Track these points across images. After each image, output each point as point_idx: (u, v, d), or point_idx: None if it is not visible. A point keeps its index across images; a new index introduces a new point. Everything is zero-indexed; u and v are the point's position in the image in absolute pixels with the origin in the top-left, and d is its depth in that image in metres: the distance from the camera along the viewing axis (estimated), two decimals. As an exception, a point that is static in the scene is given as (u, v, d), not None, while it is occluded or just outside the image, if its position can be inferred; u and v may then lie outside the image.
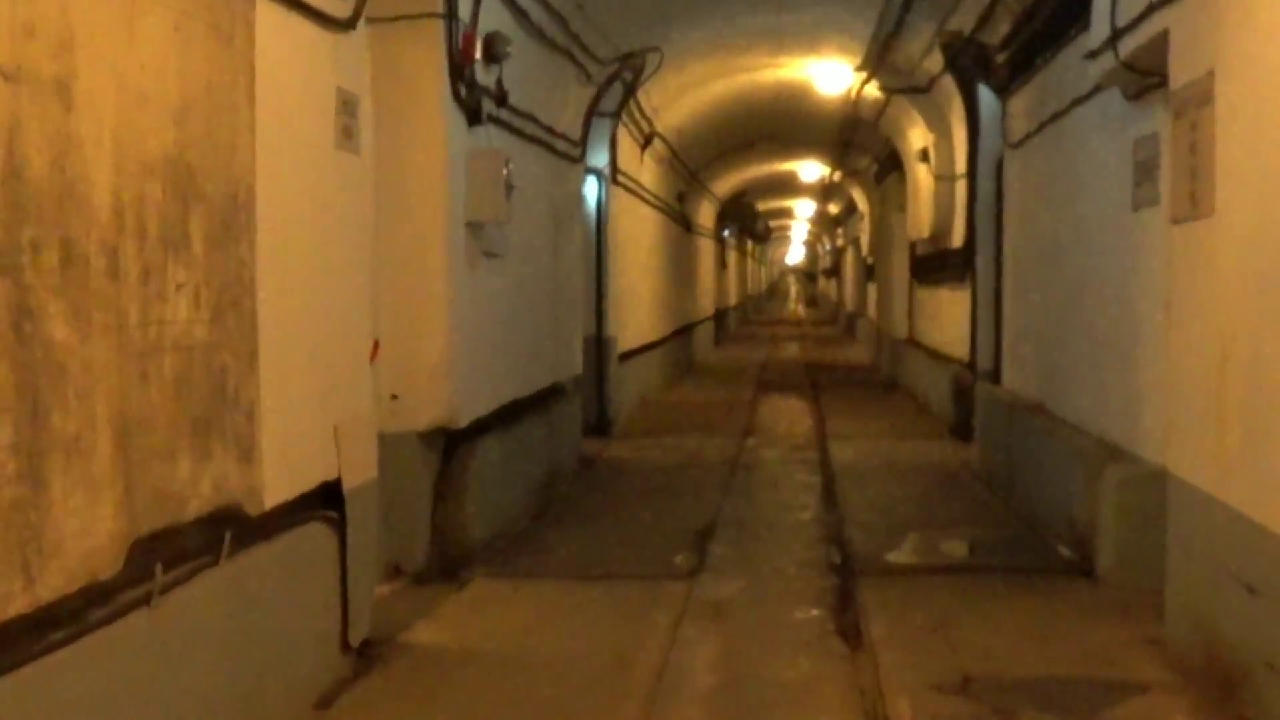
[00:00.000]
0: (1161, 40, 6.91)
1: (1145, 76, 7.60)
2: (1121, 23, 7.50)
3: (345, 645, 6.53)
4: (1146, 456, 8.04)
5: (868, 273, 34.64)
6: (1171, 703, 5.98)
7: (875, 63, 16.27)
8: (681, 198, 26.17)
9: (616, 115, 15.82)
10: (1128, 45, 7.44)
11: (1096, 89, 8.76)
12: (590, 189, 15.98)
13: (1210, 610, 6.17)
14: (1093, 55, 8.20)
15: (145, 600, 4.47)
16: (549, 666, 6.73)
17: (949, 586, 8.45)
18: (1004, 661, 6.69)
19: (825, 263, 63.91)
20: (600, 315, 16.56)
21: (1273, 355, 5.45)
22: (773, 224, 58.25)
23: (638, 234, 20.07)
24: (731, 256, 47.23)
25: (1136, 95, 7.99)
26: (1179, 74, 6.68)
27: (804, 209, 49.47)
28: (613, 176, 16.89)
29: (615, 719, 5.92)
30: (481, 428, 9.41)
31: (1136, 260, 8.28)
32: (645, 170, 19.99)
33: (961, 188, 16.23)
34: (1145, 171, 7.96)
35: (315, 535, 6.16)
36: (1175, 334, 6.85)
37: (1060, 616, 7.55)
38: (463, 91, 8.63)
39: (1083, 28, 8.70)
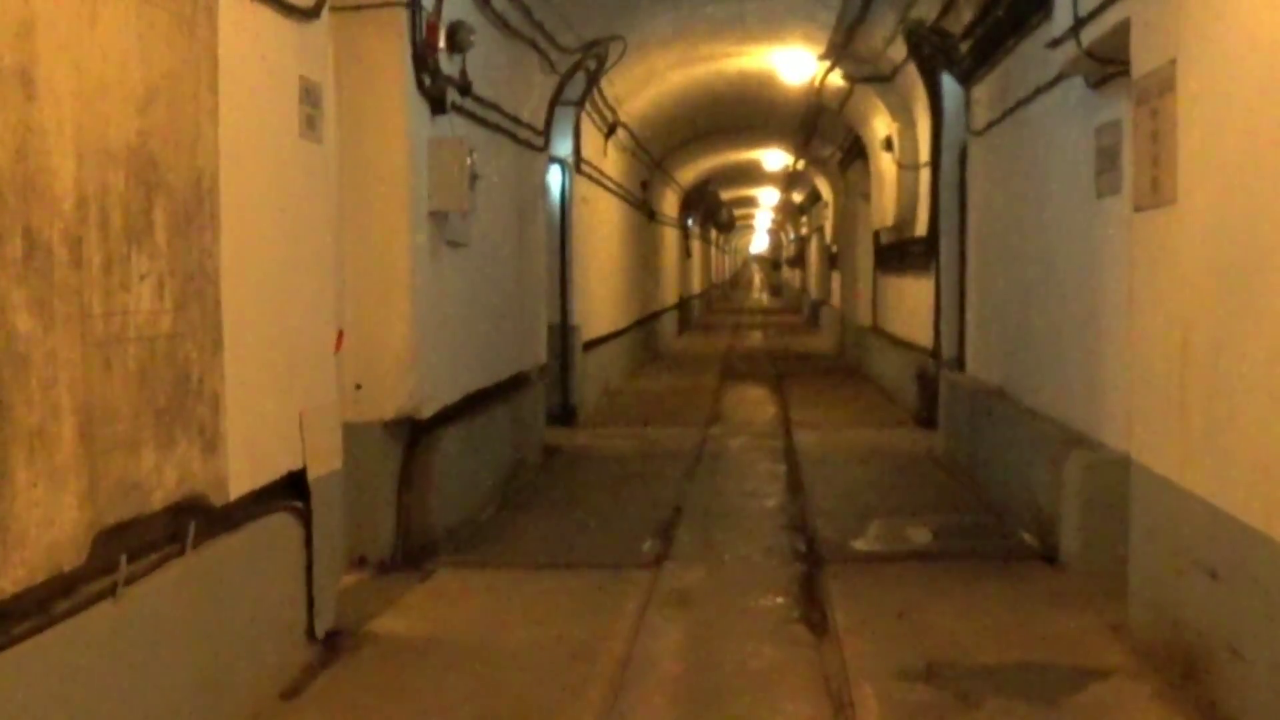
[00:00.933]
0: (1123, 29, 6.95)
1: (1107, 65, 7.64)
2: (1084, 11, 7.55)
3: (311, 635, 6.53)
4: (1109, 443, 8.09)
5: (831, 261, 34.71)
6: (1134, 688, 6.02)
7: (839, 51, 16.30)
8: (645, 186, 26.18)
9: (580, 104, 15.84)
10: (1090, 34, 7.48)
11: (1059, 77, 8.81)
12: (554, 178, 15.98)
13: (1173, 595, 6.21)
14: (1055, 44, 8.24)
15: (110, 591, 4.47)
16: (514, 655, 6.74)
17: (913, 573, 8.49)
18: (968, 648, 6.71)
19: (789, 251, 63.94)
20: (565, 304, 16.57)
21: (1233, 343, 5.49)
22: (737, 212, 58.33)
23: (602, 223, 20.04)
24: (695, 245, 47.26)
25: (1099, 83, 8.03)
26: (1141, 62, 6.71)
27: (768, 197, 49.53)
28: (576, 165, 16.87)
29: (580, 706, 5.92)
30: (446, 417, 9.40)
31: (1099, 248, 8.32)
32: (609, 159, 19.99)
33: (925, 176, 16.27)
34: (1108, 159, 7.99)
35: (280, 525, 6.16)
36: (1137, 321, 6.89)
37: (1024, 603, 7.59)
38: (426, 81, 8.62)
39: (1045, 16, 8.75)
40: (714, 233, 58.10)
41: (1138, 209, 6.84)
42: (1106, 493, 7.65)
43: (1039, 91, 9.75)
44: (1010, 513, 10.03)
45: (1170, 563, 6.24)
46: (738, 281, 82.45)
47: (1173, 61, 6.21)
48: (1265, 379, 5.15)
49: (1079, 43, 7.66)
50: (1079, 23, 7.63)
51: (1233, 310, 5.52)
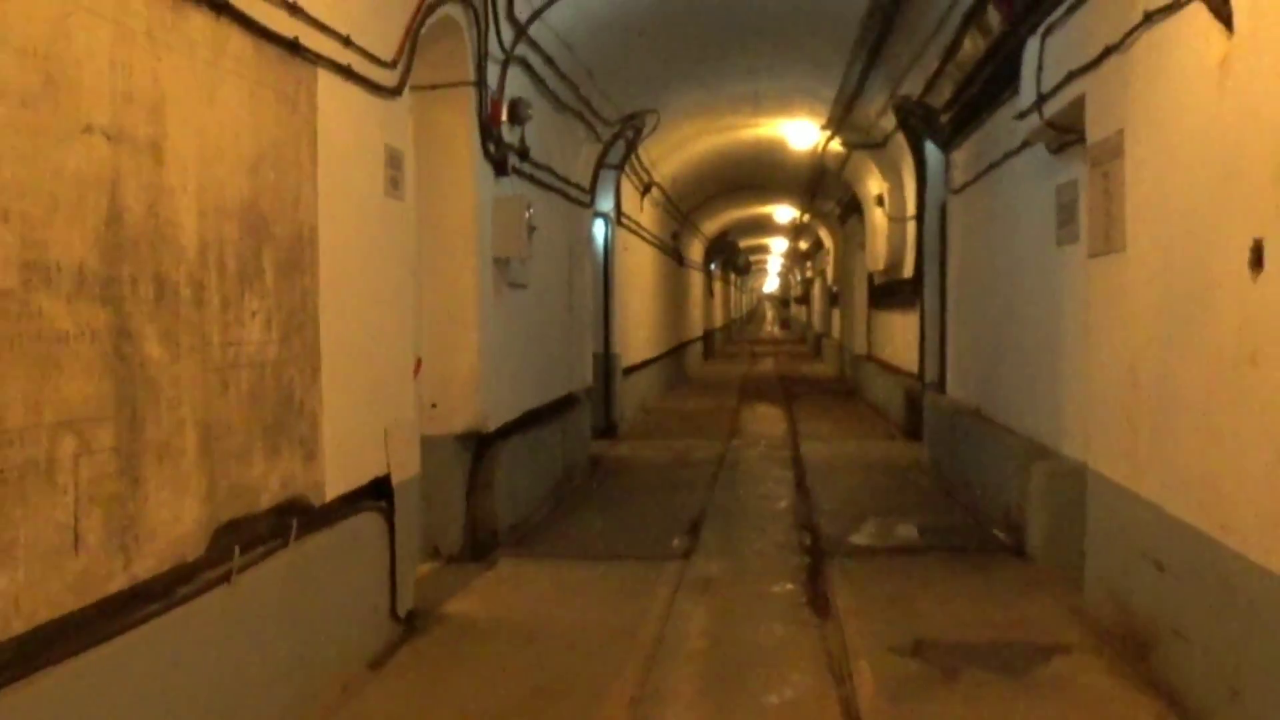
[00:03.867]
0: (1079, 104, 6.98)
1: (1065, 133, 7.66)
2: (1045, 89, 7.58)
3: (393, 615, 6.56)
4: (1068, 454, 8.06)
5: (832, 299, 34.65)
6: (1090, 662, 6.00)
7: (838, 122, 16.31)
8: (675, 236, 26.23)
9: (620, 167, 15.89)
10: (1051, 108, 7.51)
11: (1025, 144, 8.79)
12: (599, 229, 16.02)
13: (1124, 584, 6.20)
14: (1022, 116, 8.26)
15: (225, 578, 4.51)
16: (564, 634, 6.75)
17: (902, 565, 8.48)
18: (949, 628, 6.71)
19: (796, 291, 63.81)
20: (607, 335, 16.61)
21: (1175, 369, 5.50)
22: (752, 258, 58.25)
23: (638, 267, 20.09)
24: (717, 286, 47.25)
25: (1059, 149, 8.03)
26: (1094, 132, 6.74)
27: (778, 245, 49.52)
28: (617, 219, 16.93)
29: (620, 679, 5.92)
30: (507, 431, 9.43)
31: (1060, 289, 8.30)
32: (645, 213, 20.05)
33: (911, 227, 16.24)
34: (1067, 213, 7.99)
35: (368, 522, 6.19)
36: (1093, 351, 6.89)
37: (996, 590, 7.56)
38: (491, 148, 8.68)
39: (1013, 92, 8.75)
40: (733, 275, 57.99)
41: (1092, 255, 6.85)
42: (1066, 496, 7.64)
43: (1008, 156, 9.76)
44: (984, 513, 9.99)
45: (1122, 556, 6.24)
46: (753, 317, 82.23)
47: (1121, 131, 6.23)
48: (1202, 402, 5.16)
49: (1041, 115, 7.69)
50: (1041, 99, 7.66)
51: (1173, 343, 5.52)
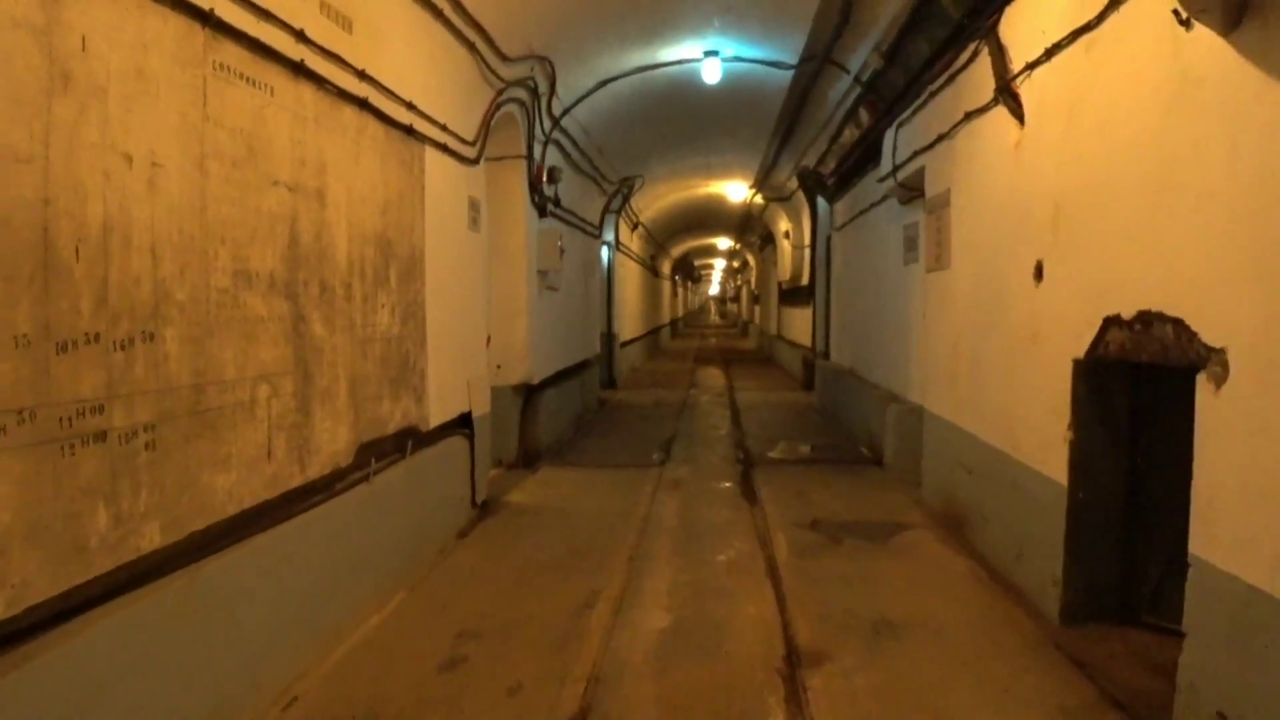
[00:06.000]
0: (920, 172, 6.95)
1: (911, 191, 7.62)
2: (898, 162, 7.54)
3: (473, 503, 6.55)
4: (911, 399, 8.08)
5: (754, 299, 34.60)
6: (928, 534, 6.00)
7: (760, 183, 16.23)
8: (653, 257, 26.07)
9: (618, 212, 15.79)
10: (902, 174, 7.48)
11: (884, 198, 8.76)
12: (604, 252, 15.94)
13: (947, 484, 6.22)
14: (882, 180, 8.22)
15: (365, 478, 4.50)
16: (585, 514, 6.72)
17: (803, 470, 8.43)
18: (834, 511, 6.69)
19: (731, 293, 63.65)
20: (609, 321, 16.52)
21: (983, 345, 5.50)
22: (702, 272, 58.01)
23: (629, 277, 19.96)
24: (679, 290, 47.11)
25: (906, 201, 8.00)
26: (930, 190, 6.71)
27: (719, 263, 49.32)
28: (616, 246, 16.81)
29: (624, 543, 5.91)
30: (545, 384, 9.36)
31: (906, 292, 8.28)
32: (634, 242, 19.91)
33: (807, 253, 16.18)
34: (911, 244, 7.96)
35: (457, 442, 6.17)
36: (929, 332, 6.89)
37: (864, 487, 7.56)
38: (535, 198, 8.60)
39: (875, 164, 8.71)
40: (689, 283, 57.80)
41: (928, 271, 6.84)
42: (909, 427, 7.65)
43: (872, 206, 9.70)
44: (856, 437, 9.99)
45: (946, 466, 6.26)
46: (702, 310, 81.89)
47: (948, 189, 6.22)
48: (1001, 366, 5.17)
49: (895, 179, 7.66)
50: (895, 168, 7.62)
51: (980, 328, 5.53)
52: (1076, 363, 4.16)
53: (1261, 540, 2.79)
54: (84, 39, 2.58)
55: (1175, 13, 3.23)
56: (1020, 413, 4.82)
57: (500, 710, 3.57)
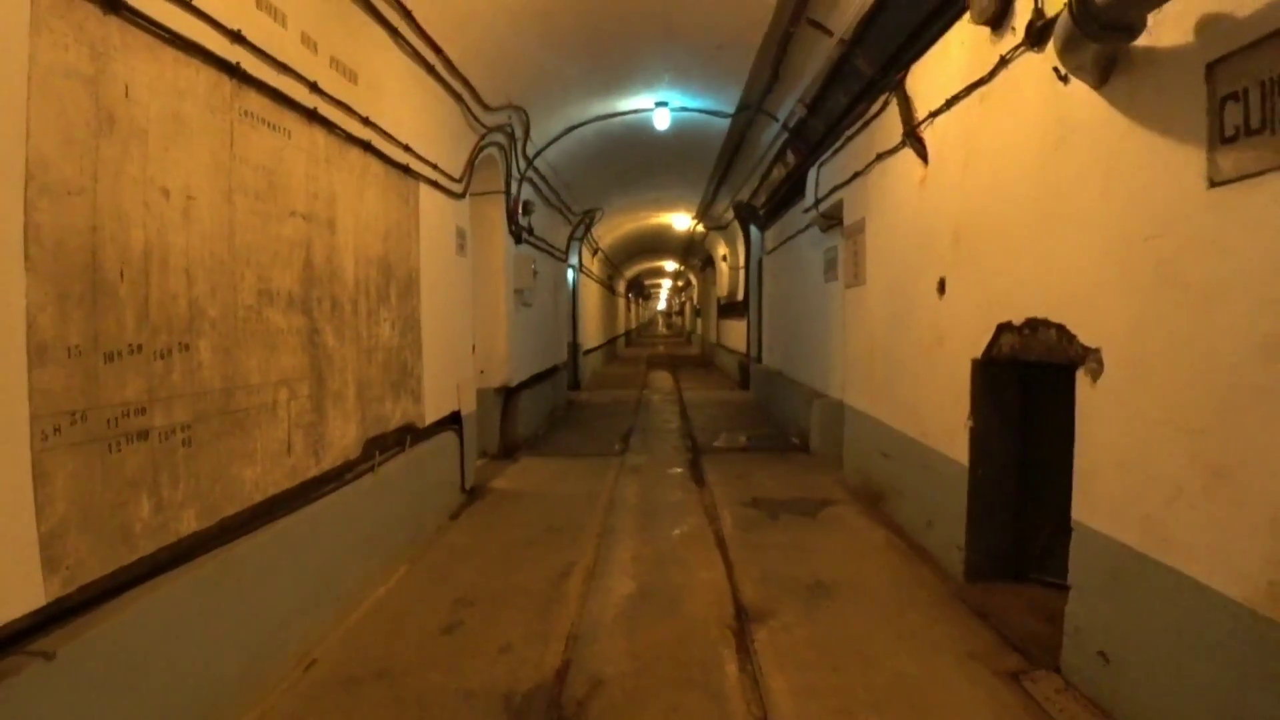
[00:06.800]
0: (839, 204, 7.01)
1: (831, 220, 7.70)
2: (820, 195, 7.60)
3: (463, 489, 6.47)
4: (832, 395, 8.16)
5: (696, 312, 34.73)
6: (851, 509, 6.04)
7: (702, 215, 16.31)
8: (610, 278, 26.02)
9: (582, 239, 15.73)
10: (823, 206, 7.54)
11: (808, 226, 8.83)
12: (570, 274, 15.86)
13: (866, 466, 6.29)
14: (806, 210, 8.28)
15: (371, 469, 4.43)
16: (560, 497, 6.67)
17: (743, 457, 8.44)
18: (772, 491, 6.72)
19: (677, 308, 63.81)
20: (575, 332, 16.43)
21: (895, 347, 5.56)
22: (652, 289, 58.12)
23: (591, 295, 19.91)
24: (632, 306, 47.10)
25: (827, 229, 8.08)
26: (848, 218, 6.77)
27: (666, 283, 49.44)
28: (580, 268, 16.76)
29: (594, 519, 5.88)
30: (523, 385, 9.28)
31: (827, 304, 8.36)
32: (595, 265, 19.89)
33: (742, 273, 16.31)
34: (831, 264, 8.04)
35: (448, 436, 6.09)
36: (849, 337, 6.94)
37: (795, 470, 7.59)
38: (512, 228, 8.54)
39: (801, 198, 8.79)
40: (640, 299, 57.83)
41: (847, 287, 6.91)
42: (831, 418, 7.72)
43: (798, 233, 9.79)
44: (787, 428, 10.04)
45: (865, 450, 6.33)
46: (651, 323, 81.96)
47: (863, 218, 6.29)
48: (911, 365, 5.24)
49: (817, 209, 7.73)
50: (818, 201, 7.69)
51: (893, 333, 5.60)
52: (975, 362, 4.24)
53: (1131, 506, 2.88)
54: (127, 87, 2.51)
55: (1055, 69, 3.33)
56: (928, 405, 4.90)
57: (495, 666, 3.54)
